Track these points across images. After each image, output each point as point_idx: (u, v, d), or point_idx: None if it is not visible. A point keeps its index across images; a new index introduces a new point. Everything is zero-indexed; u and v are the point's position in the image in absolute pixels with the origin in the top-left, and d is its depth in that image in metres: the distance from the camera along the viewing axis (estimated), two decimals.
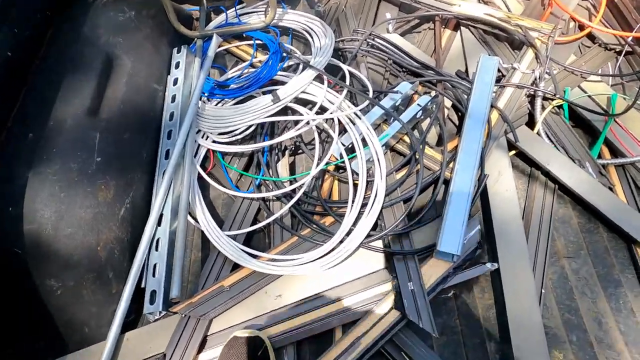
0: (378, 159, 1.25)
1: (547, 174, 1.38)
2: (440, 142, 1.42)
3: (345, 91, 1.40)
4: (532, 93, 1.48)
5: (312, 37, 1.66)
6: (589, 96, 1.53)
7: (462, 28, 1.71)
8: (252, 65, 1.69)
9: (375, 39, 1.65)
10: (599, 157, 1.43)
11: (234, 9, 1.86)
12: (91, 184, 1.17)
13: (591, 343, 1.16)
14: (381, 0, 1.91)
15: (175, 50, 1.63)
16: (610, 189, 1.35)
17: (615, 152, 1.44)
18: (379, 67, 1.63)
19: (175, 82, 1.55)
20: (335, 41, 1.63)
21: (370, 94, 1.44)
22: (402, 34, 1.81)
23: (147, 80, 1.47)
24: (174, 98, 1.52)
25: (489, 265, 1.18)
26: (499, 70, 1.53)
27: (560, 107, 1.52)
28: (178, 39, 1.70)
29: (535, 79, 1.48)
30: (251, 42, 1.76)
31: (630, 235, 1.25)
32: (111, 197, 1.21)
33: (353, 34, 1.68)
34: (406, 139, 1.39)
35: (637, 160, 1.37)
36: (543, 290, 1.21)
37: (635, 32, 1.60)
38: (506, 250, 1.20)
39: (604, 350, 1.15)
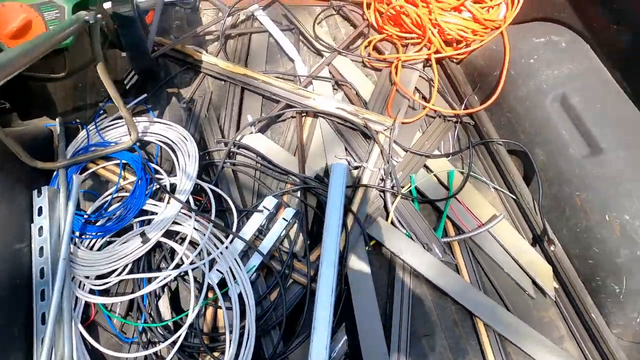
0: (248, 299, 1.36)
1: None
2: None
3: (211, 225, 1.48)
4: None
5: (176, 156, 1.69)
6: (435, 175, 1.75)
7: (320, 119, 1.83)
8: (121, 187, 1.70)
9: (240, 148, 1.72)
10: (446, 234, 1.65)
11: (93, 123, 1.83)
12: None
13: None
14: (244, 89, 1.97)
15: (35, 193, 1.58)
16: (456, 266, 1.58)
17: (457, 227, 1.68)
18: (249, 169, 1.72)
19: (41, 231, 1.52)
20: (200, 154, 1.68)
21: (235, 216, 1.53)
22: (268, 124, 1.90)
23: (7, 246, 1.42)
24: (41, 251, 1.49)
25: None
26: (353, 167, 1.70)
27: (410, 192, 1.71)
28: (36, 173, 1.64)
29: (382, 176, 1.65)
30: (117, 161, 1.75)
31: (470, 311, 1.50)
32: None
33: (217, 144, 1.74)
34: (277, 254, 1.52)
35: (473, 235, 1.62)
36: None
37: (463, 108, 1.83)
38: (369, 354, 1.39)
39: None
